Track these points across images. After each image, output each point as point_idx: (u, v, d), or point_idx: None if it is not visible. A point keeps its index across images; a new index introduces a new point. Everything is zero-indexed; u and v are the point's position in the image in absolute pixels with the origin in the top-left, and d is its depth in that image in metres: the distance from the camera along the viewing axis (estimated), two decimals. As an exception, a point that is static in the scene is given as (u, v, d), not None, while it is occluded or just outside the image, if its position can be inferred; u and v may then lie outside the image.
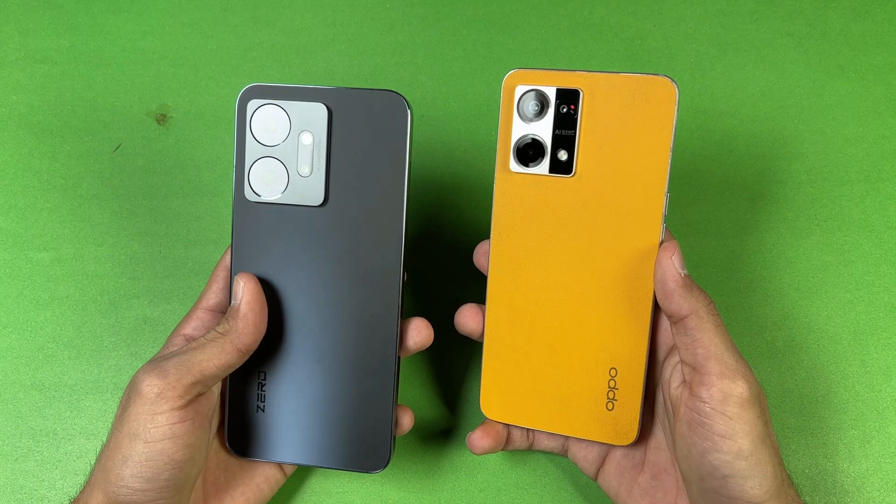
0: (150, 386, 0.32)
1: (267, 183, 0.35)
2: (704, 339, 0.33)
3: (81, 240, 0.46)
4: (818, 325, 0.44)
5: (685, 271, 0.33)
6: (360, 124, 0.35)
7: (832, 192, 0.46)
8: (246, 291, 0.35)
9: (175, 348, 0.36)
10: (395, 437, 0.37)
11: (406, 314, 0.37)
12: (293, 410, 0.37)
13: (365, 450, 0.36)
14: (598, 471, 0.38)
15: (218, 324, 0.35)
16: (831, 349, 0.44)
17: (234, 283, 0.35)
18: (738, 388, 0.32)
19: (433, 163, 0.47)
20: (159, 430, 0.32)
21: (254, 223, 0.36)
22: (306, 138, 0.35)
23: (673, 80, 0.33)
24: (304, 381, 0.36)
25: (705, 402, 0.32)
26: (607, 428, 0.36)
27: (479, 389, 0.43)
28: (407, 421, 0.38)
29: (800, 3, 0.49)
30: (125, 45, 0.49)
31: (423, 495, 0.42)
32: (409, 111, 0.34)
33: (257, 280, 0.35)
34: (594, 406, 0.36)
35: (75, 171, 0.47)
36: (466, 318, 0.38)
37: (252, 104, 0.35)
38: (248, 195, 0.35)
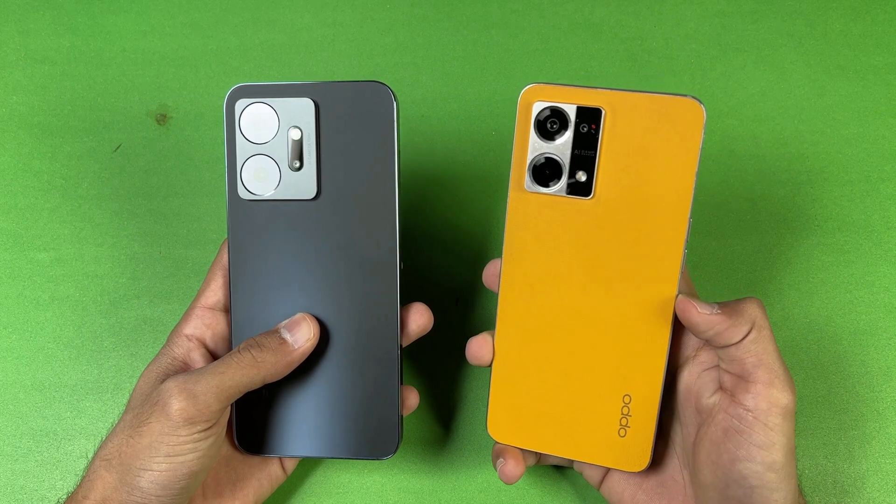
0: (180, 410, 0.32)
1: (259, 180, 0.36)
2: (758, 349, 0.32)
3: (81, 240, 0.46)
4: (818, 325, 0.44)
5: (713, 308, 0.32)
6: (348, 116, 0.35)
7: (832, 193, 0.46)
8: (308, 341, 0.35)
9: (178, 349, 0.36)
10: (402, 423, 0.37)
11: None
12: (299, 404, 0.37)
13: (373, 437, 0.37)
14: (602, 479, 0.38)
15: (252, 345, 0.34)
16: (831, 349, 0.44)
17: (300, 321, 0.35)
18: (785, 399, 0.31)
19: (433, 163, 0.47)
20: (183, 447, 0.32)
21: (249, 220, 0.36)
22: (295, 133, 0.35)
23: (700, 101, 0.31)
24: (309, 373, 0.37)
25: (749, 411, 0.31)
26: (619, 454, 0.36)
27: (480, 395, 0.44)
28: (413, 400, 0.38)
29: (800, 3, 0.49)
30: (125, 45, 0.49)
31: (424, 496, 0.42)
32: (394, 100, 0.35)
33: (318, 328, 0.36)
34: (606, 432, 0.36)
35: (75, 171, 0.47)
36: (479, 348, 0.36)
37: (240, 104, 0.35)
38: (242, 193, 0.36)
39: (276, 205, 0.36)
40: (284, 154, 0.35)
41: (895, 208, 0.45)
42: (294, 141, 0.35)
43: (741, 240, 0.45)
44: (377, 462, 0.42)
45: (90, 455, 0.34)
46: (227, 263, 0.37)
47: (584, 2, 0.49)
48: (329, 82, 0.35)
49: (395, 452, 0.37)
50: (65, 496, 0.34)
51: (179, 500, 0.33)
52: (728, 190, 0.46)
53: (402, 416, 0.37)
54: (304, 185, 0.35)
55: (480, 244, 0.45)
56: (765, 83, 0.48)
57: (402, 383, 0.37)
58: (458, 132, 0.47)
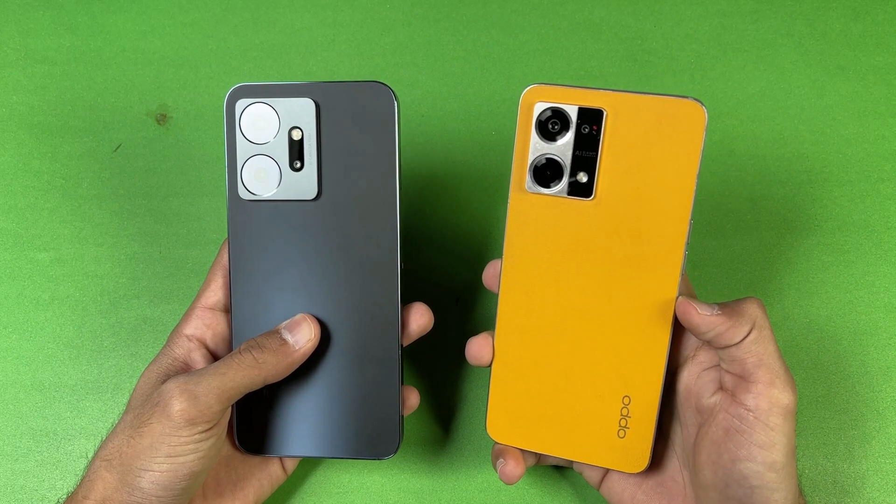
0: (181, 411, 0.32)
1: (260, 180, 0.36)
2: (759, 349, 0.32)
3: (81, 240, 0.46)
4: (818, 325, 0.44)
5: (714, 309, 0.32)
6: (349, 116, 0.35)
7: (832, 193, 0.46)
8: (309, 342, 0.35)
9: (179, 350, 0.36)
10: (403, 423, 0.37)
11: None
12: (300, 404, 0.37)
13: (374, 437, 0.37)
14: (602, 479, 0.38)
15: (253, 346, 0.34)
16: (831, 349, 0.44)
17: (301, 322, 0.35)
18: (786, 398, 0.31)
19: (432, 163, 0.47)
20: (184, 447, 0.32)
21: (249, 221, 0.36)
22: (296, 134, 0.35)
23: (702, 103, 0.31)
24: (310, 373, 0.37)
25: (749, 411, 0.31)
26: (618, 455, 0.36)
27: (480, 395, 0.44)
28: (413, 400, 0.38)
29: (800, 3, 0.49)
30: (125, 45, 0.49)
31: (424, 496, 0.42)
32: (395, 101, 0.35)
33: (319, 329, 0.36)
34: (605, 433, 0.36)
35: (75, 171, 0.47)
36: (479, 349, 0.36)
37: (240, 104, 0.35)
38: (242, 194, 0.36)
39: (277, 205, 0.36)
40: (285, 154, 0.35)
41: (895, 208, 0.45)
42: (295, 141, 0.35)
43: (741, 240, 0.45)
44: (377, 462, 0.42)
45: (90, 455, 0.34)
46: (227, 264, 0.37)
47: (584, 2, 0.49)
48: (330, 82, 0.35)
49: (395, 452, 0.37)
50: (65, 496, 0.34)
51: (180, 500, 0.33)
52: (728, 190, 0.46)
53: (402, 416, 0.37)
54: (304, 185, 0.35)
55: (480, 244, 0.45)
56: (765, 83, 0.48)
57: (402, 383, 0.37)
58: (458, 132, 0.47)
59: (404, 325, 0.37)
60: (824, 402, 0.43)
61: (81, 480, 0.33)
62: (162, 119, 0.48)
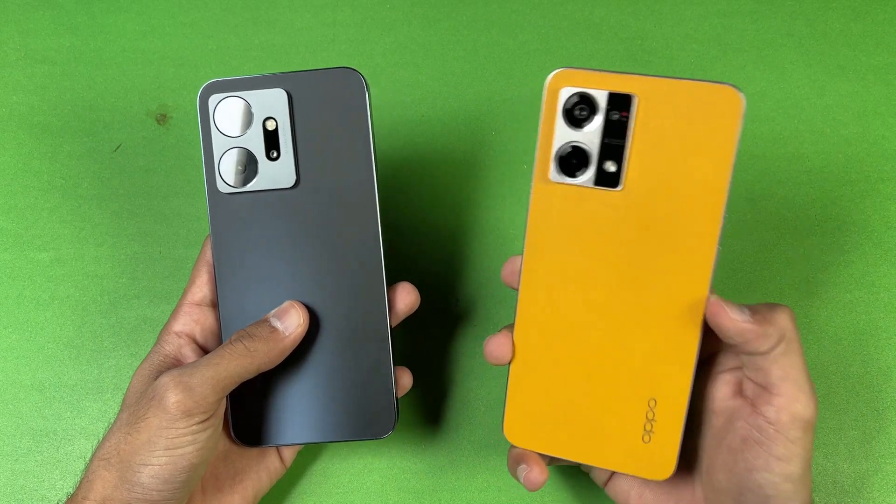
0: (177, 403, 0.32)
1: (238, 172, 0.36)
2: (786, 362, 0.31)
3: (81, 240, 0.46)
4: (818, 325, 0.44)
5: (745, 314, 0.31)
6: (321, 103, 0.36)
7: (832, 193, 0.46)
8: (299, 327, 0.35)
9: (169, 347, 0.36)
10: (398, 402, 0.37)
11: None
12: (294, 392, 0.37)
13: (370, 417, 0.37)
14: (609, 478, 0.37)
15: (244, 335, 0.34)
16: (831, 349, 0.44)
17: (289, 309, 0.35)
18: (808, 413, 0.31)
19: (432, 163, 0.47)
20: (182, 439, 0.32)
21: (230, 214, 0.36)
22: (270, 124, 0.36)
23: (739, 89, 0.30)
24: (302, 360, 0.37)
25: (770, 423, 0.31)
26: (642, 461, 0.34)
27: (481, 395, 0.44)
28: (406, 380, 0.38)
29: (800, 3, 0.49)
30: (125, 45, 0.49)
31: (424, 496, 0.42)
32: (365, 84, 0.35)
33: (308, 315, 0.36)
34: (629, 438, 0.34)
35: (75, 171, 0.47)
36: (498, 347, 0.35)
37: (213, 99, 0.36)
38: (221, 187, 0.36)
39: (256, 196, 0.36)
40: (260, 145, 0.36)
41: (895, 208, 0.45)
42: (269, 131, 0.36)
43: (741, 240, 0.45)
44: (377, 462, 0.42)
45: (89, 456, 0.34)
46: (210, 259, 0.37)
47: (584, 2, 0.49)
48: (300, 72, 0.36)
49: (392, 430, 0.37)
50: (65, 497, 0.34)
51: (180, 494, 0.33)
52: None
53: (397, 395, 0.37)
54: (282, 174, 0.36)
55: (481, 244, 0.45)
56: (765, 83, 0.48)
57: (395, 363, 0.37)
58: (457, 132, 0.47)
59: (391, 305, 0.37)
60: (824, 402, 0.43)
61: (80, 481, 0.33)
62: (162, 119, 0.48)
